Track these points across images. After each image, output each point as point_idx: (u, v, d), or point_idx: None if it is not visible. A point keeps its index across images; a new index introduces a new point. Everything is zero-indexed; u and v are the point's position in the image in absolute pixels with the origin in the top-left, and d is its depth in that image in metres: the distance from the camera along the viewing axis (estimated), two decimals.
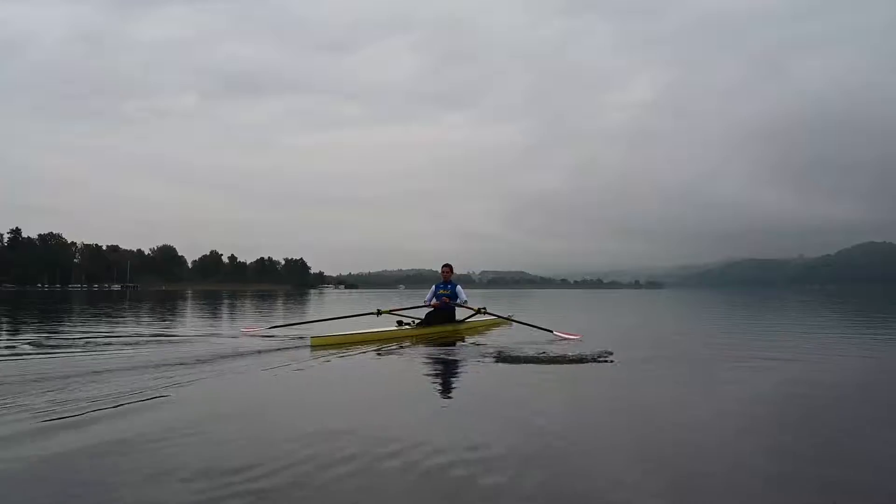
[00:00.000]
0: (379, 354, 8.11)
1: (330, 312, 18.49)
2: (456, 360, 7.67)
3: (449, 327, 10.77)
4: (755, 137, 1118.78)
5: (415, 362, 7.61)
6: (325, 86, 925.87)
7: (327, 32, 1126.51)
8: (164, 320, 16.26)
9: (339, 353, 8.04)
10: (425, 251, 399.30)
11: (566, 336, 9.75)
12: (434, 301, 11.11)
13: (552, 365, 7.08)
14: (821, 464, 3.38)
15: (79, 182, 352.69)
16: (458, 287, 11.07)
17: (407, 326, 10.46)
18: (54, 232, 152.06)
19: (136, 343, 9.29)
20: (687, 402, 5.26)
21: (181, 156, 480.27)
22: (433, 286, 11.39)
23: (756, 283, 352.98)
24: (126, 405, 4.63)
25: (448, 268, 11.18)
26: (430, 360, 7.79)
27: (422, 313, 11.02)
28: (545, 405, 4.98)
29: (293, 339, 9.62)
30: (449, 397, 5.67)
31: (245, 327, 12.10)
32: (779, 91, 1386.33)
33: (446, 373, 6.87)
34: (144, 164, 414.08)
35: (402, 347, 8.87)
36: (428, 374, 6.77)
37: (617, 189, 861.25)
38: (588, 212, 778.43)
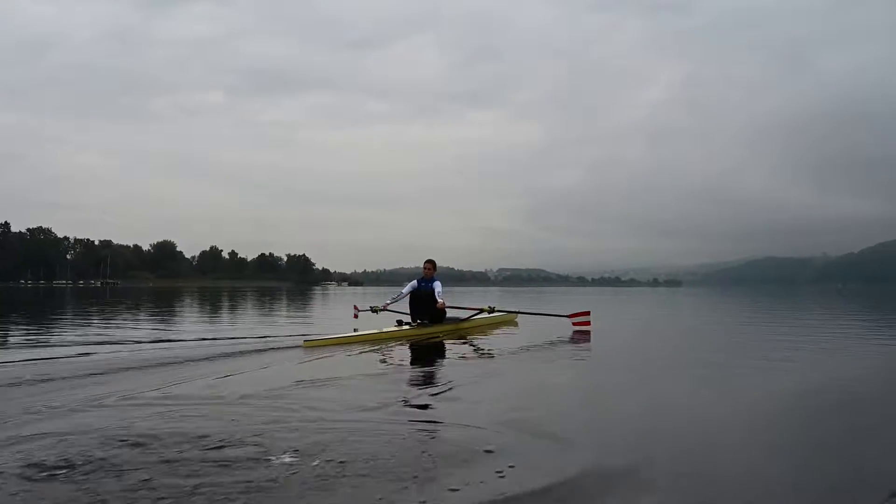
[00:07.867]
0: (372, 355, 7.70)
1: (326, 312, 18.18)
2: (454, 360, 7.60)
3: (451, 326, 10.63)
4: (778, 133, 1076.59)
5: (408, 364, 7.38)
6: (352, 83, 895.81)
7: (354, 29, 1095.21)
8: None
9: (331, 355, 7.60)
10: (445, 248, 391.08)
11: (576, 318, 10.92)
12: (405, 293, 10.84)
13: (557, 362, 7.29)
14: (842, 467, 3.25)
15: (106, 180, 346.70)
16: (437, 282, 10.69)
17: (407, 326, 10.15)
18: (43, 226, 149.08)
19: None
20: (703, 401, 5.13)
21: (208, 154, 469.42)
22: (414, 281, 11.01)
23: (777, 281, 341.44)
24: None
25: (430, 264, 10.89)
26: (426, 362, 7.58)
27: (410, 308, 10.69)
28: (548, 409, 4.61)
29: (282, 339, 9.30)
30: (442, 402, 5.02)
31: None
32: (802, 85, 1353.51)
33: (443, 375, 6.37)
34: (172, 162, 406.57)
35: (401, 347, 8.59)
36: (422, 378, 6.27)
37: (639, 186, 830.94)
38: (610, 209, 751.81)
